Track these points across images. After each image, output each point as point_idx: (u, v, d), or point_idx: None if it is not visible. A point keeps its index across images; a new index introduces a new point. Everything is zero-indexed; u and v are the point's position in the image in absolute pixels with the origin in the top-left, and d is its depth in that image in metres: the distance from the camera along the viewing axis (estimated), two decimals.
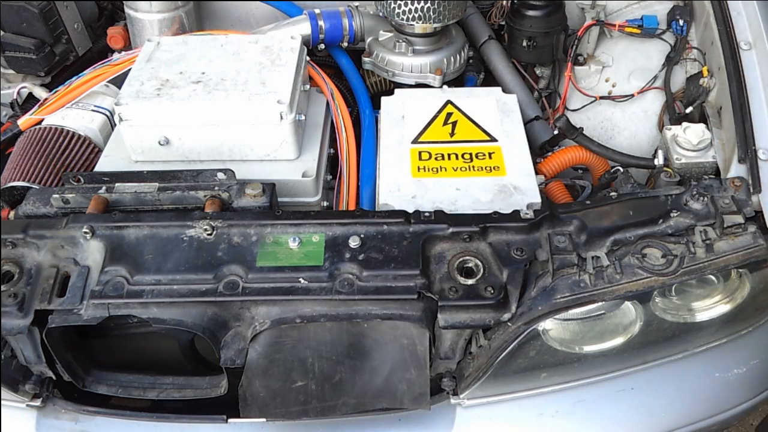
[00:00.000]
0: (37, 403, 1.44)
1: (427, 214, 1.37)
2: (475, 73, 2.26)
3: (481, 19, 2.34)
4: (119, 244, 1.34)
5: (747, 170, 1.42)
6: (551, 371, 1.46)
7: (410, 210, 1.38)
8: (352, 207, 1.72)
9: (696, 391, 1.56)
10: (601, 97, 2.07)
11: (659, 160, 1.63)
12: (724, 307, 1.48)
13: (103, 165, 1.69)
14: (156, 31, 2.12)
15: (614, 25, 2.07)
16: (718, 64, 1.71)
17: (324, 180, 1.74)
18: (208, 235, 1.35)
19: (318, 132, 1.80)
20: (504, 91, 1.93)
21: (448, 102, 1.84)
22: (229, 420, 1.42)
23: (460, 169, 1.63)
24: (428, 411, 1.41)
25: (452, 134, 1.74)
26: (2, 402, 1.43)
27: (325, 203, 1.72)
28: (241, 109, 1.60)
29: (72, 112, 1.87)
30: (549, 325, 1.39)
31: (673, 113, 1.88)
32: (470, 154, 1.68)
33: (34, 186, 1.67)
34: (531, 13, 2.07)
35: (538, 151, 1.97)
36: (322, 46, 2.16)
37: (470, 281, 1.29)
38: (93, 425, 1.46)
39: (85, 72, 1.92)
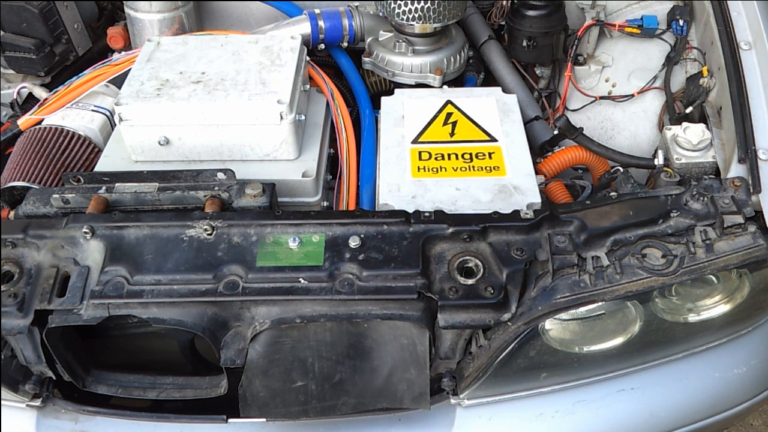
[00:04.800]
0: (37, 403, 1.44)
1: (427, 214, 1.37)
2: (475, 73, 2.26)
3: (481, 19, 2.34)
4: (119, 244, 1.34)
5: (747, 170, 1.42)
6: (551, 371, 1.46)
7: (410, 210, 1.38)
8: (352, 207, 1.72)
9: (696, 391, 1.56)
10: (601, 97, 2.07)
11: (659, 160, 1.63)
12: (724, 307, 1.48)
13: (103, 165, 1.69)
14: (156, 31, 2.12)
15: (614, 25, 2.07)
16: (718, 64, 1.71)
17: (324, 180, 1.74)
18: (208, 235, 1.35)
19: (318, 132, 1.80)
20: (504, 91, 1.92)
21: (448, 102, 1.84)
22: (229, 420, 1.42)
23: (460, 169, 1.63)
24: (428, 411, 1.41)
25: (452, 134, 1.74)
26: (2, 402, 1.44)
27: (325, 203, 1.72)
28: (241, 109, 1.60)
29: (72, 112, 1.87)
30: (549, 325, 1.39)
31: (673, 113, 1.88)
32: (470, 154, 1.68)
33: (34, 186, 1.67)
34: (531, 13, 2.07)
35: (538, 151, 1.97)
36: (322, 46, 2.16)
37: (470, 281, 1.29)
38: (93, 425, 1.46)
39: (85, 72, 1.92)
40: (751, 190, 1.38)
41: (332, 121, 1.89)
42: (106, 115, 1.89)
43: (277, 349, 1.31)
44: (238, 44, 1.80)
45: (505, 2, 2.31)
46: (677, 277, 1.30)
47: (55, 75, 2.18)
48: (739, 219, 1.33)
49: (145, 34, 2.13)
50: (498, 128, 1.75)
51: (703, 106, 1.75)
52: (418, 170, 1.64)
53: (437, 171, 1.63)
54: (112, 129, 1.87)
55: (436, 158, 1.67)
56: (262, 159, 1.68)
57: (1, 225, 1.36)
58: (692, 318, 1.48)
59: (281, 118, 1.60)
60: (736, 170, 1.44)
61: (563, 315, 1.34)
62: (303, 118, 1.71)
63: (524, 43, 2.11)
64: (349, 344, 1.34)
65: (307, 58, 1.90)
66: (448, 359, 1.42)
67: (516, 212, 1.37)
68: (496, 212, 1.37)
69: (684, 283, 1.35)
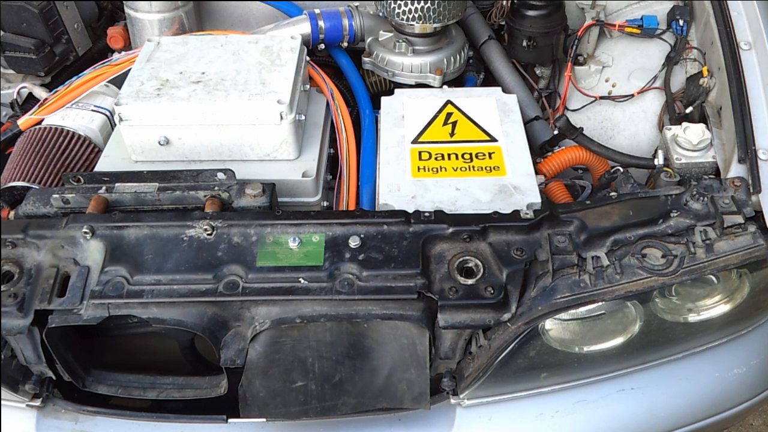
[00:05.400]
0: (37, 403, 1.44)
1: (427, 214, 1.37)
2: (475, 73, 2.26)
3: (481, 19, 2.35)
4: (119, 244, 1.34)
5: (747, 170, 1.42)
6: (551, 371, 1.46)
7: (410, 210, 1.38)
8: (352, 207, 1.72)
9: (696, 391, 1.56)
10: (601, 97, 2.07)
11: (659, 160, 1.63)
12: (724, 307, 1.48)
13: (103, 165, 1.69)
14: (156, 31, 2.12)
15: (614, 25, 2.07)
16: (718, 64, 1.71)
17: (324, 180, 1.74)
18: (208, 235, 1.35)
19: (318, 132, 1.80)
20: (504, 91, 1.92)
21: (448, 102, 1.84)
22: (229, 420, 1.42)
23: (460, 169, 1.63)
24: (428, 411, 1.41)
25: (452, 134, 1.74)
26: (2, 402, 1.44)
27: (325, 203, 1.72)
28: (241, 109, 1.60)
29: (72, 112, 1.87)
30: (549, 325, 1.39)
31: (673, 113, 1.88)
32: (470, 154, 1.68)
33: (34, 186, 1.67)
34: (531, 13, 2.08)
35: (538, 151, 1.97)
36: (322, 46, 2.16)
37: (470, 281, 1.29)
38: (93, 425, 1.46)
39: (85, 72, 1.92)
40: (751, 190, 1.38)
41: (332, 121, 1.89)
42: (106, 115, 1.89)
43: (277, 349, 1.31)
44: (238, 44, 1.80)
45: (505, 2, 2.31)
46: (677, 277, 1.30)
47: (55, 75, 2.18)
48: (739, 219, 1.33)
49: (145, 34, 2.13)
50: (498, 128, 1.75)
51: (703, 106, 1.75)
52: (418, 170, 1.64)
53: (437, 171, 1.63)
54: (112, 129, 1.87)
55: (436, 158, 1.67)
56: (262, 159, 1.68)
57: (1, 225, 1.37)
58: (692, 318, 1.48)
59: (281, 118, 1.60)
60: (736, 170, 1.44)
61: (563, 315, 1.34)
62: (303, 118, 1.71)
63: (524, 43, 2.11)
64: (349, 344, 1.34)
65: (307, 58, 1.90)
66: (448, 359, 1.42)
67: (516, 212, 1.37)
68: (496, 212, 1.37)
69: (684, 283, 1.35)
